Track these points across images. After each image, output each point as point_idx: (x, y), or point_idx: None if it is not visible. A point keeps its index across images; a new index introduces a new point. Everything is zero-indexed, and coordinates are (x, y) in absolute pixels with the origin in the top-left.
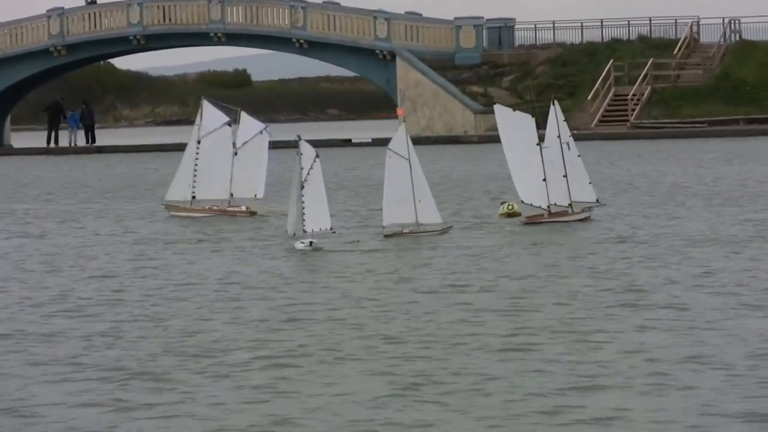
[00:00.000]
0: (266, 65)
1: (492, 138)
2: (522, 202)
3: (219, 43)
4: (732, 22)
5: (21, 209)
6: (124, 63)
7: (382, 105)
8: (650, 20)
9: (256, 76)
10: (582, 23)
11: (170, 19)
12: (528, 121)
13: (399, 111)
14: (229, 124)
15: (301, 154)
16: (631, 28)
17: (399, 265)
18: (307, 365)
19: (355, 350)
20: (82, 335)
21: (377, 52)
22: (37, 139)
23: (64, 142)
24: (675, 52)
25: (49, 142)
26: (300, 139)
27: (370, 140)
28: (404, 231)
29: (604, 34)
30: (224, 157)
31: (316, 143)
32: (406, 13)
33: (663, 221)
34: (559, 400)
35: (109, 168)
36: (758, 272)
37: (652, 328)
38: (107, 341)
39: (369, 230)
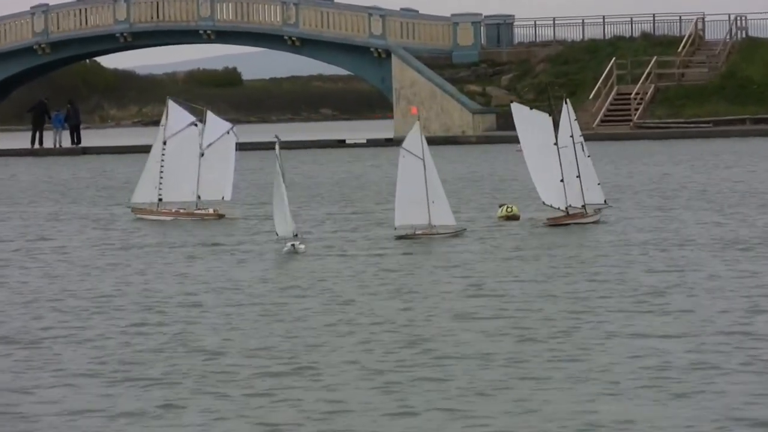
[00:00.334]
0: (257, 63)
1: (490, 139)
2: (543, 203)
3: (208, 40)
4: (738, 18)
5: None
6: (110, 61)
7: (376, 105)
8: (654, 17)
9: (247, 74)
10: (583, 20)
11: (158, 16)
12: (545, 120)
13: (413, 109)
14: (195, 125)
15: (278, 154)
16: (634, 25)
17: (401, 269)
18: (309, 373)
19: (352, 357)
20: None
21: (372, 50)
22: (21, 140)
23: (48, 143)
24: (679, 49)
25: (33, 143)
26: (278, 140)
27: (364, 141)
28: (416, 232)
29: (606, 31)
30: (190, 158)
31: (308, 144)
32: (402, 9)
33: (668, 224)
34: (563, 407)
35: (93, 170)
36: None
37: (662, 335)
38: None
39: (355, 234)
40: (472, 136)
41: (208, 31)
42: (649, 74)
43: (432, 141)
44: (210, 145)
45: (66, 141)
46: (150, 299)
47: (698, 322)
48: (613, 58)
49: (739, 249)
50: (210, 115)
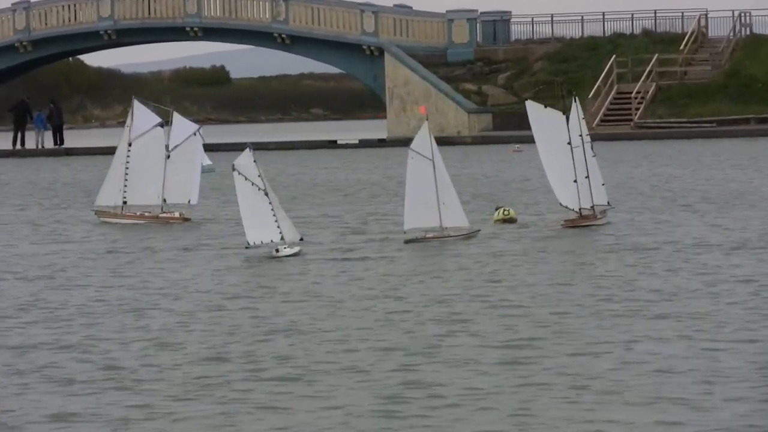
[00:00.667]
0: (245, 61)
1: (487, 139)
2: (560, 204)
3: (195, 38)
4: (742, 15)
5: None
6: (94, 59)
7: (369, 104)
8: (655, 13)
9: (235, 73)
10: (582, 16)
11: (143, 13)
12: (559, 118)
13: (422, 109)
14: (162, 126)
15: (256, 161)
16: (634, 22)
17: (408, 271)
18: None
19: (351, 363)
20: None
21: (364, 47)
22: (2, 140)
23: (30, 143)
24: (681, 47)
25: (14, 143)
26: (251, 149)
27: (356, 141)
28: (427, 235)
29: (605, 28)
30: (156, 160)
31: (298, 145)
32: (395, 6)
33: (671, 226)
34: (563, 413)
35: (75, 171)
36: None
37: (666, 339)
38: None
39: (353, 237)
40: (468, 136)
41: (195, 28)
42: (650, 72)
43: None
44: (176, 147)
45: (48, 142)
46: (131, 304)
47: (705, 327)
48: (613, 56)
49: (747, 251)
50: (176, 116)
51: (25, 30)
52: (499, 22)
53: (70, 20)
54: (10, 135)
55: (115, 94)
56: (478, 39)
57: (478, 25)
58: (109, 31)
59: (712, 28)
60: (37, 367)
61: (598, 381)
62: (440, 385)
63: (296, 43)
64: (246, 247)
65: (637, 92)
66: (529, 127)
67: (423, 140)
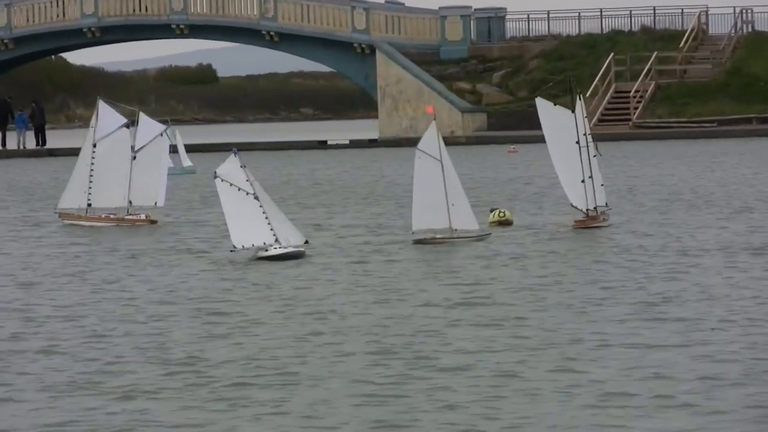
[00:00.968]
0: (233, 59)
1: (481, 139)
2: (571, 205)
3: (181, 35)
4: (744, 11)
5: None
6: (77, 58)
7: (359, 103)
8: (654, 10)
9: (222, 71)
10: (579, 13)
11: (128, 10)
12: (568, 117)
13: (429, 108)
14: (128, 126)
15: (244, 166)
16: (633, 19)
17: (412, 274)
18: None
19: (343, 367)
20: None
21: (355, 45)
22: None
23: (12, 144)
24: (681, 44)
25: None
26: (235, 154)
27: (347, 142)
28: (436, 237)
29: (603, 25)
30: (122, 161)
31: (287, 145)
32: (387, 2)
33: (670, 229)
34: (561, 419)
35: (59, 172)
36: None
37: (665, 345)
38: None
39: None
40: (462, 136)
41: (181, 26)
42: (649, 71)
43: (418, 142)
44: (142, 148)
45: (30, 142)
46: (117, 307)
47: (703, 329)
48: (611, 54)
49: (749, 254)
50: (142, 117)
51: (7, 27)
52: (493, 19)
53: (52, 17)
54: None
55: (98, 93)
56: (472, 36)
57: (472, 22)
58: (92, 29)
59: (712, 25)
60: (18, 373)
61: (597, 385)
62: (436, 389)
63: (285, 40)
64: (231, 251)
65: (636, 91)
66: (524, 127)
67: (431, 140)
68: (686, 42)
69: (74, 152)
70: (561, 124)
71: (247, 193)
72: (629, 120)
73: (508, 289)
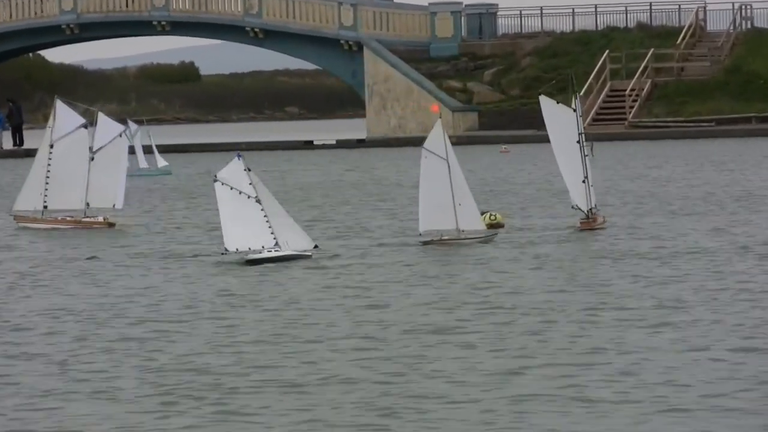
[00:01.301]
0: (216, 57)
1: (472, 139)
2: (573, 206)
3: (163, 32)
4: (743, 7)
5: None
6: (56, 55)
7: (347, 102)
8: (650, 5)
9: (205, 69)
10: (573, 9)
11: (108, 6)
12: (570, 115)
13: (434, 107)
14: (86, 126)
15: (249, 169)
16: (629, 15)
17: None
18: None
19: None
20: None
21: (342, 42)
22: None
23: None
24: (678, 41)
25: None
26: (239, 157)
27: (334, 142)
28: (443, 238)
29: (598, 22)
30: (79, 162)
31: (272, 145)
32: None
33: (665, 231)
34: (559, 425)
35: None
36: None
37: (665, 349)
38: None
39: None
40: (453, 136)
41: (163, 22)
42: (645, 68)
43: (408, 142)
44: (100, 148)
45: (8, 142)
46: (107, 313)
47: (703, 335)
48: (606, 51)
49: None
50: (101, 117)
51: None
52: (485, 16)
53: (30, 14)
54: None
55: (77, 92)
56: (462, 33)
57: (462, 18)
58: (71, 26)
59: (710, 22)
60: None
61: (594, 391)
62: (428, 396)
63: (270, 37)
64: (222, 254)
65: (632, 89)
66: (516, 127)
67: (437, 139)
68: (683, 39)
69: None
70: (563, 123)
71: (249, 197)
72: (625, 120)
73: (509, 294)
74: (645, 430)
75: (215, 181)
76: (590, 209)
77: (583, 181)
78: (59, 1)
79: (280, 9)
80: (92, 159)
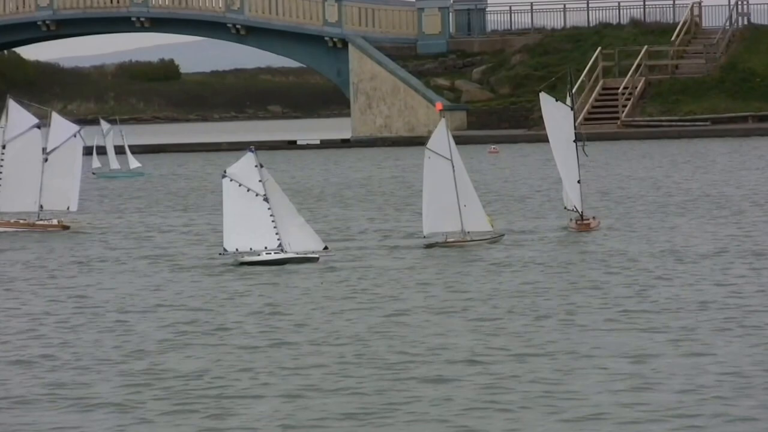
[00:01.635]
0: (197, 55)
1: (461, 139)
2: (565, 207)
3: (142, 29)
4: (739, 3)
5: None
6: (32, 52)
7: (331, 101)
8: (644, 1)
9: (186, 67)
10: (565, 5)
11: (85, 2)
12: (567, 114)
13: (438, 105)
14: (39, 127)
15: (261, 165)
16: (622, 11)
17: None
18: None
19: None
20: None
21: (327, 39)
22: None
23: None
24: (673, 38)
25: None
26: (252, 152)
27: (318, 142)
28: (448, 240)
29: (590, 18)
30: (33, 164)
31: (255, 145)
32: None
33: (656, 234)
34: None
35: None
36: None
37: (657, 354)
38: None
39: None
40: None
41: (142, 19)
42: (638, 66)
43: (394, 142)
44: (54, 149)
45: None
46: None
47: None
48: (599, 48)
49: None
50: (55, 117)
51: None
52: (474, 12)
53: (5, 10)
54: None
55: (54, 90)
56: (451, 30)
57: (451, 14)
58: (47, 22)
59: (706, 18)
60: None
61: (587, 396)
62: (419, 400)
63: (252, 34)
64: (220, 254)
65: (625, 88)
66: (506, 127)
67: (440, 139)
68: (678, 35)
69: None
70: (560, 121)
71: (257, 195)
72: (617, 118)
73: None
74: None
75: (224, 176)
76: (580, 211)
77: (579, 182)
78: None
79: (263, 5)
80: (46, 160)
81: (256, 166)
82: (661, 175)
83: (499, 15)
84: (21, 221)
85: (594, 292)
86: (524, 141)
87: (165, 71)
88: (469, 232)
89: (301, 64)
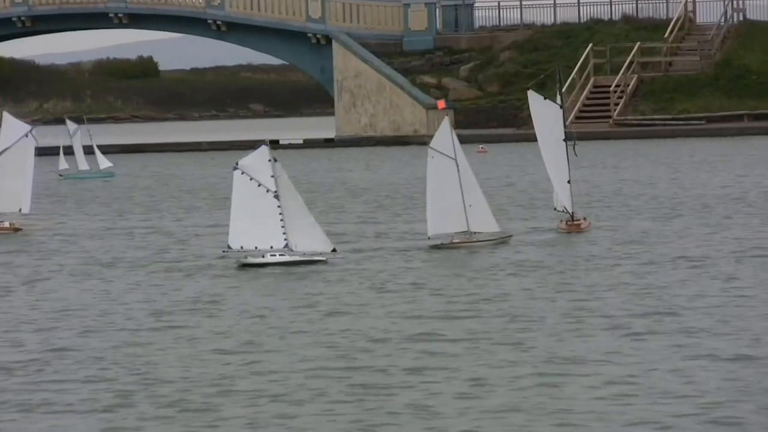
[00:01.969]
0: (176, 51)
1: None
2: (555, 208)
3: (120, 25)
4: None
5: None
6: (6, 49)
7: (315, 99)
8: None
9: (164, 64)
10: (555, 0)
11: None
12: (556, 112)
13: (441, 103)
14: None
15: (275, 160)
16: (613, 7)
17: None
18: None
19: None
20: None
21: (310, 35)
22: None
23: None
24: (666, 34)
25: None
26: (267, 145)
27: (301, 141)
28: (454, 241)
29: (581, 14)
30: None
31: (236, 145)
32: None
33: (650, 235)
34: None
35: None
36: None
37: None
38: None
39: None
40: (427, 135)
41: (119, 15)
42: (631, 63)
43: (379, 141)
44: (5, 150)
45: None
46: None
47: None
48: (590, 45)
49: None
50: (6, 117)
51: None
52: (461, 7)
53: None
54: None
55: (29, 88)
56: (437, 26)
57: (437, 10)
58: (23, 18)
59: (700, 14)
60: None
61: (579, 402)
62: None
63: (233, 30)
64: (223, 252)
65: (617, 85)
66: (495, 125)
67: (444, 138)
68: (672, 32)
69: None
70: (549, 120)
71: (267, 191)
72: (609, 117)
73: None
74: None
75: (235, 168)
76: (569, 211)
77: (568, 182)
78: None
79: (244, 0)
80: None
81: (269, 160)
82: (654, 175)
83: (487, 11)
84: None
85: (582, 295)
86: (513, 140)
87: (143, 68)
88: (475, 233)
89: (284, 62)
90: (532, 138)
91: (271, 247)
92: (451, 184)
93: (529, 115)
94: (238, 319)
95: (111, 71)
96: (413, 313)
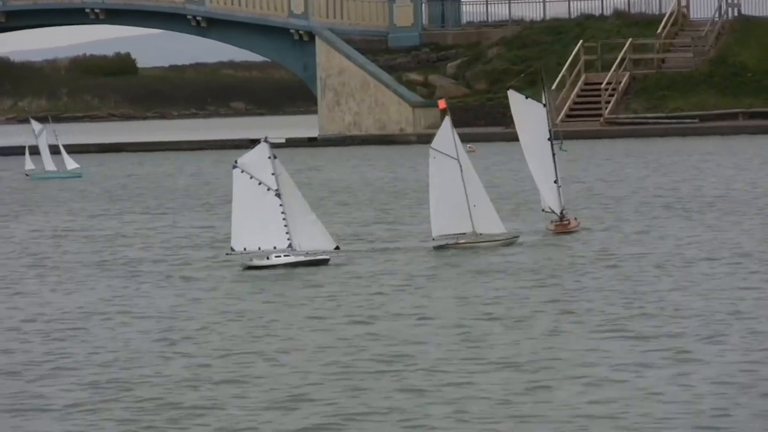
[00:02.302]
0: (155, 48)
1: (434, 137)
2: (543, 210)
3: (97, 21)
4: None
5: None
6: None
7: (297, 97)
8: None
9: (143, 61)
10: None
11: None
12: (540, 111)
13: (442, 103)
14: None
15: (275, 157)
16: (605, 2)
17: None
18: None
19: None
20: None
21: (292, 31)
22: None
23: None
24: (659, 30)
25: None
26: (266, 141)
27: (283, 141)
28: (459, 242)
29: (571, 9)
30: None
31: (216, 144)
32: None
33: (641, 235)
34: None
35: None
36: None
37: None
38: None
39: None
40: (412, 134)
41: (96, 10)
42: (623, 60)
43: (364, 140)
44: None
45: None
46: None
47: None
48: (580, 41)
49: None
50: None
51: None
52: (448, 2)
53: None
54: None
55: (3, 86)
56: (424, 22)
57: (424, 5)
58: None
59: (694, 9)
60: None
61: (574, 407)
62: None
63: (214, 26)
64: (227, 254)
65: (608, 83)
66: (483, 124)
67: (446, 138)
68: (665, 28)
69: None
70: (533, 120)
71: (268, 189)
72: (600, 115)
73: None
74: None
75: (234, 167)
76: (561, 211)
77: (555, 182)
78: None
79: None
80: None
81: (269, 157)
82: (644, 174)
83: (474, 6)
84: None
85: (573, 297)
86: (502, 139)
87: (121, 65)
88: (480, 234)
89: (266, 58)
90: None
91: (275, 248)
92: (455, 184)
93: None
94: (242, 323)
95: (88, 68)
96: (401, 313)
